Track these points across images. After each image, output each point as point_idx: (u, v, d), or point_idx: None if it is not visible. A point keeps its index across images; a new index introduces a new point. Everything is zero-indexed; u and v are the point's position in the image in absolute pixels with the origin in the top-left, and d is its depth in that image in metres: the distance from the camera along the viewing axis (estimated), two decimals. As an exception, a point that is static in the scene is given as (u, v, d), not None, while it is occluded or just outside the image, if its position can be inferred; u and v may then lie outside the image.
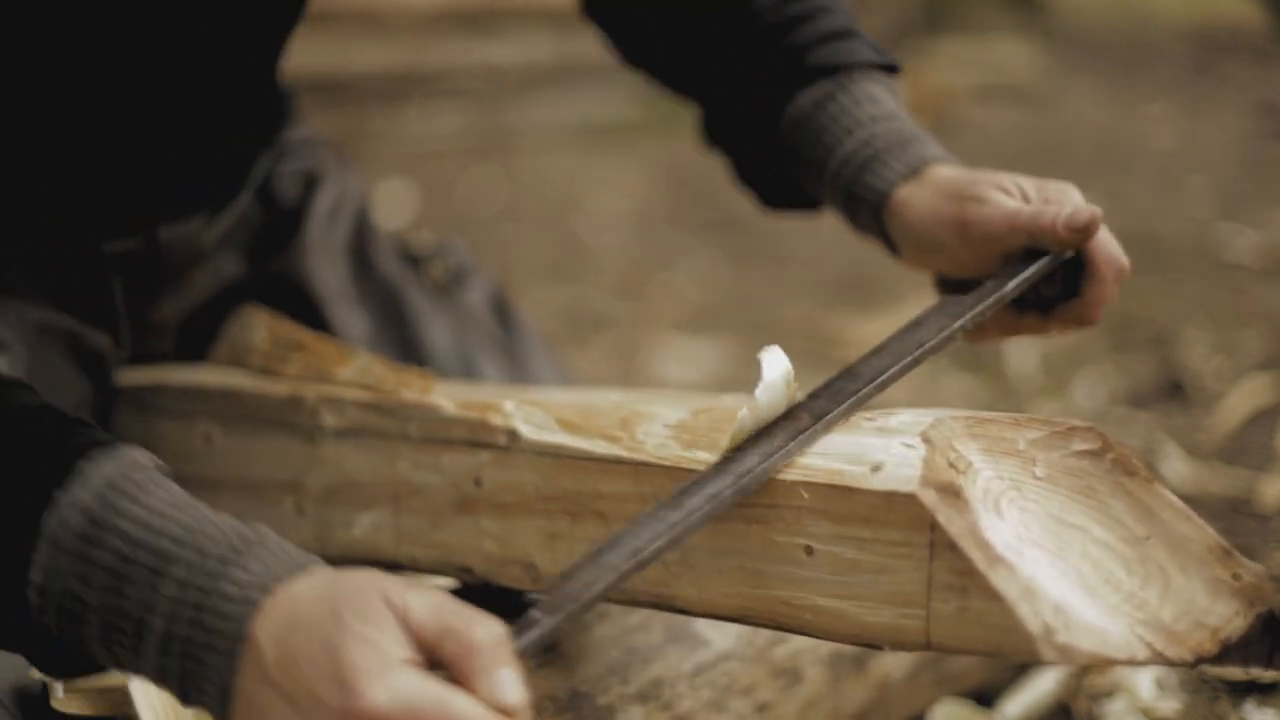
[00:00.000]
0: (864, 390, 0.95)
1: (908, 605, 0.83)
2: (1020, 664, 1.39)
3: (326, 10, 4.31)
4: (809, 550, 0.87)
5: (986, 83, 4.87)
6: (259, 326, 1.24)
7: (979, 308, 1.04)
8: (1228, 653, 0.84)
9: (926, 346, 0.99)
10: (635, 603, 0.97)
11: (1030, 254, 1.08)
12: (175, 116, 1.18)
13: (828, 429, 0.92)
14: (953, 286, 1.15)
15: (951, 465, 0.84)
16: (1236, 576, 0.86)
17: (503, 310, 1.48)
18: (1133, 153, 3.97)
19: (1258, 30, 5.17)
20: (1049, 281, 1.09)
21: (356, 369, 1.15)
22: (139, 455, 0.88)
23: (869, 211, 1.16)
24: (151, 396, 1.24)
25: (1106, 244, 1.08)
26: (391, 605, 0.75)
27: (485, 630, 0.74)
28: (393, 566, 1.11)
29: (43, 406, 0.93)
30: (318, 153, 1.43)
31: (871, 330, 2.55)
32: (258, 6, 1.19)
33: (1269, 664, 0.85)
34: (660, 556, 0.84)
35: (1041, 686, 1.39)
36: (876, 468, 0.85)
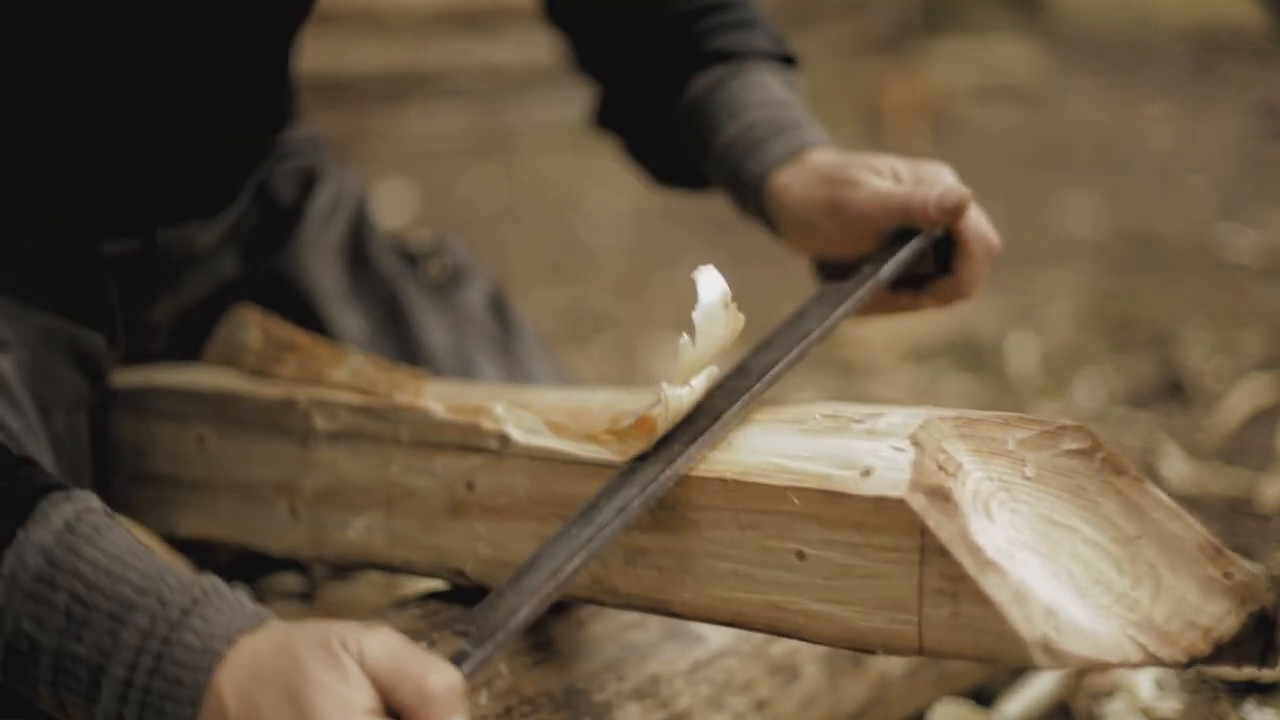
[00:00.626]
0: (756, 387, 0.97)
1: (900, 610, 0.83)
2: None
3: (326, 10, 4.29)
4: (801, 555, 0.87)
5: (986, 83, 4.87)
6: (252, 326, 1.24)
7: (859, 293, 1.07)
8: (1220, 652, 0.83)
9: (812, 337, 1.02)
10: (630, 606, 0.97)
11: (903, 234, 1.11)
12: (177, 117, 1.18)
13: (726, 429, 0.93)
14: (830, 269, 1.19)
15: (941, 468, 0.84)
16: (1228, 575, 0.85)
17: (500, 309, 1.48)
18: (1133, 153, 3.96)
19: (1258, 30, 5.16)
20: (922, 260, 1.13)
21: (349, 371, 1.14)
22: (92, 500, 0.89)
23: (749, 194, 1.20)
24: (145, 399, 1.24)
25: (977, 222, 1.12)
26: (349, 651, 0.77)
27: (440, 678, 0.75)
28: (388, 569, 1.11)
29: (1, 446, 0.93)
30: (317, 151, 1.43)
31: (871, 330, 2.55)
32: (261, 6, 1.19)
33: (1262, 662, 0.85)
34: (577, 574, 0.85)
35: (1041, 686, 1.39)
36: (866, 472, 0.85)
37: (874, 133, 4.12)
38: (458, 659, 0.79)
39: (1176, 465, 1.90)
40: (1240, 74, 4.83)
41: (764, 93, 1.23)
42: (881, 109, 4.31)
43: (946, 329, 2.55)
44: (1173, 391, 2.25)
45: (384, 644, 0.77)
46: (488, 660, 0.81)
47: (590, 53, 1.37)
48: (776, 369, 0.99)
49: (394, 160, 4.13)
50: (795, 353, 1.00)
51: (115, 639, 0.82)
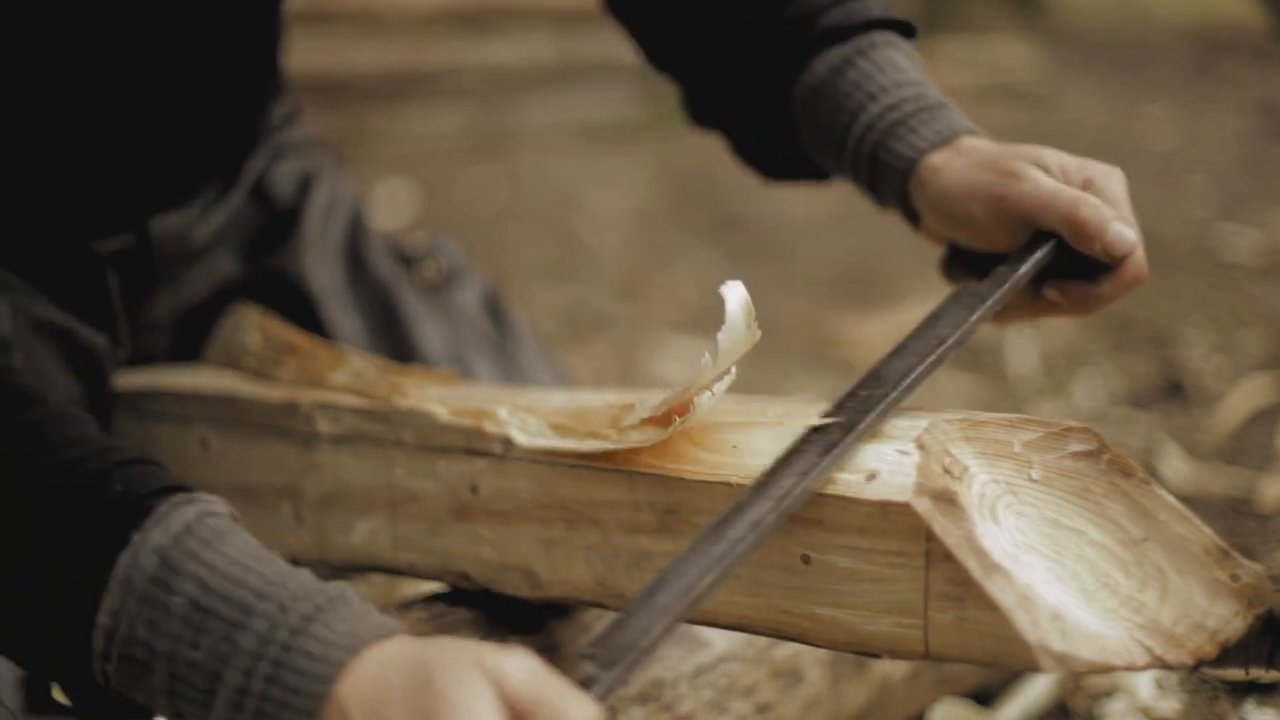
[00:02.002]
0: (892, 395, 0.91)
1: (905, 615, 0.83)
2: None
3: (326, 10, 4.31)
4: (806, 559, 0.87)
5: (986, 83, 4.87)
6: (251, 327, 1.24)
7: (996, 296, 1.00)
8: (1227, 655, 0.83)
9: (949, 343, 0.96)
10: (634, 609, 0.97)
11: (1041, 233, 1.04)
12: (161, 104, 1.18)
13: (860, 439, 0.88)
14: (960, 259, 1.12)
15: (946, 471, 0.84)
16: (1235, 577, 0.85)
17: (496, 310, 1.48)
18: (1133, 153, 3.96)
19: (1258, 30, 5.16)
20: (1056, 260, 1.05)
21: (349, 374, 1.14)
22: (215, 503, 0.86)
23: (895, 179, 1.11)
24: (147, 401, 1.24)
25: (1137, 250, 1.04)
26: (486, 673, 0.72)
27: (578, 709, 0.71)
28: (392, 572, 1.11)
29: (115, 445, 0.89)
30: (315, 153, 1.43)
31: (871, 330, 2.55)
32: None
33: (1269, 665, 0.85)
34: (711, 592, 0.80)
35: (1040, 686, 1.39)
36: (871, 476, 0.85)
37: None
38: (585, 684, 0.74)
39: (1176, 465, 1.90)
40: (1240, 74, 4.84)
41: (899, 73, 1.13)
42: (881, 109, 4.31)
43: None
44: (1173, 391, 2.25)
45: (523, 668, 0.73)
46: (617, 683, 0.75)
47: (664, 46, 1.27)
48: (913, 376, 0.93)
49: (394, 160, 4.14)
50: (932, 359, 0.95)
51: (232, 644, 0.78)
